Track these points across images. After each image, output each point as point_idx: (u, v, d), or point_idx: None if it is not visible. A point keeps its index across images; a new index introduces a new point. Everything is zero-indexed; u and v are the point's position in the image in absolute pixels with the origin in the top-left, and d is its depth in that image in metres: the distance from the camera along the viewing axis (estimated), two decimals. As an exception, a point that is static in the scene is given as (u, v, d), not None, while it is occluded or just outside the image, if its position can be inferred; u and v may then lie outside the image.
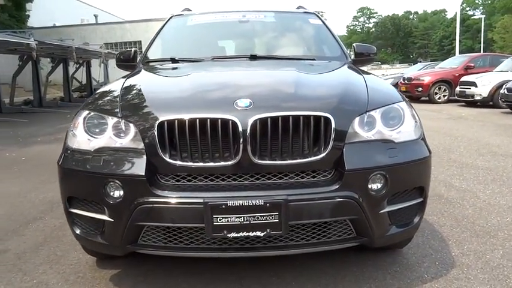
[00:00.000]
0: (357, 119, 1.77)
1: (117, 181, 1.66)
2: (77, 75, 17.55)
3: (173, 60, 2.77)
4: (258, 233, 1.63)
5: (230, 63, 2.69)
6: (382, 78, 2.58)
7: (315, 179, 1.72)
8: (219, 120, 1.64)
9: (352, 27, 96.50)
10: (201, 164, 1.66)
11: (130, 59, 2.96)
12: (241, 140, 1.62)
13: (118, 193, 1.68)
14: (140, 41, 24.19)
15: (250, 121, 1.62)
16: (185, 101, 1.79)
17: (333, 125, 1.68)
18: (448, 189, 3.54)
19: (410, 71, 16.88)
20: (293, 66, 2.38)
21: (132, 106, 1.85)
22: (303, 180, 1.71)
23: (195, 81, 2.06)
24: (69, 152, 1.85)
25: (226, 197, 1.61)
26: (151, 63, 2.84)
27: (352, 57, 3.06)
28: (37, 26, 22.18)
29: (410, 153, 1.83)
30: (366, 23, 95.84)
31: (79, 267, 2.28)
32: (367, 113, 1.80)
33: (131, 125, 1.74)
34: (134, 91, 2.02)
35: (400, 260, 2.26)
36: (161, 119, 1.67)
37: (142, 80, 2.24)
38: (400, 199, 1.83)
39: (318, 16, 3.40)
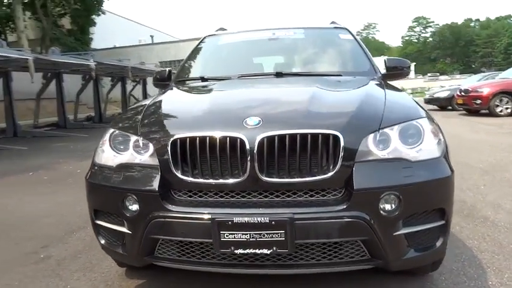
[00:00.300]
0: (369, 137, 1.73)
1: (133, 195, 1.76)
2: (134, 92, 18.60)
3: (202, 79, 2.88)
4: (265, 251, 1.64)
5: (255, 80, 2.74)
6: (407, 93, 2.47)
7: (324, 197, 1.69)
8: (228, 138, 1.68)
9: (407, 38, 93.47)
10: (211, 180, 1.71)
11: (165, 78, 3.14)
12: (249, 157, 1.65)
13: (135, 207, 1.77)
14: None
15: (258, 139, 1.65)
16: (199, 120, 1.86)
17: (342, 143, 1.66)
18: (495, 211, 3.29)
19: (468, 82, 15.97)
20: (315, 83, 2.37)
21: (151, 124, 1.95)
22: (312, 198, 1.69)
23: (213, 99, 2.13)
24: (95, 167, 1.99)
25: (233, 213, 1.64)
26: (181, 82, 2.98)
27: (384, 71, 2.99)
28: (99, 48, 23.88)
29: (428, 172, 1.74)
30: (422, 32, 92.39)
31: (109, 275, 2.41)
32: (380, 131, 1.75)
33: (149, 142, 1.84)
34: (156, 110, 2.13)
35: (428, 286, 2.14)
36: (175, 137, 1.75)
37: (166, 99, 2.36)
38: (417, 221, 1.74)
39: (348, 31, 3.37)
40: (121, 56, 16.20)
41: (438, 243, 1.82)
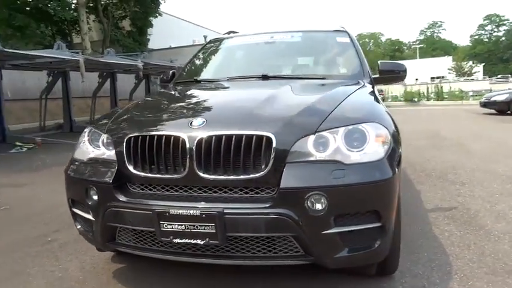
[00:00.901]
0: (304, 139, 1.80)
1: (94, 187, 1.98)
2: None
3: (196, 81, 3.07)
4: (199, 241, 1.78)
5: (238, 83, 2.87)
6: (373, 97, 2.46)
7: (257, 195, 1.79)
8: (172, 138, 1.84)
9: (477, 37, 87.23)
10: (157, 175, 1.89)
11: (169, 79, 3.38)
12: (188, 155, 1.80)
13: (95, 197, 1.99)
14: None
15: (197, 139, 1.79)
16: (155, 120, 2.05)
17: (274, 145, 1.75)
18: (496, 221, 3.12)
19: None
20: (288, 86, 2.46)
21: (118, 123, 2.16)
22: (246, 195, 1.80)
23: (176, 101, 2.31)
24: (73, 161, 2.25)
25: (171, 206, 1.80)
26: (178, 84, 3.18)
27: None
28: (156, 48, 25.10)
29: (362, 175, 1.76)
30: (494, 31, 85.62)
31: (97, 259, 2.67)
32: (317, 134, 1.81)
33: (113, 140, 2.05)
34: (128, 110, 2.34)
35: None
36: (129, 135, 1.94)
37: (146, 100, 2.57)
38: (350, 221, 1.78)
39: (348, 34, 3.38)
40: (178, 56, 17.00)
41: (375, 245, 1.84)
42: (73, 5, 21.54)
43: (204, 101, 2.39)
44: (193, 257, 1.89)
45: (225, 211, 1.73)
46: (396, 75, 3.10)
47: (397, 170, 1.89)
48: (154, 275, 2.38)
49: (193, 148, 1.79)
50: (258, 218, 1.73)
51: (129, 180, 1.97)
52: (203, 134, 1.80)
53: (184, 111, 2.17)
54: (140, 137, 1.91)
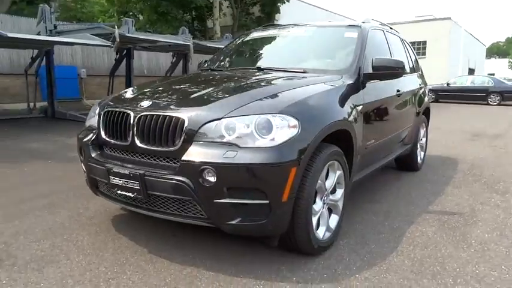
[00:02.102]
0: (212, 123, 2.17)
1: (83, 146, 2.69)
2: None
3: (210, 69, 3.59)
4: (130, 194, 2.34)
5: (231, 73, 3.29)
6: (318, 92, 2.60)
7: (172, 164, 2.25)
8: (125, 114, 2.42)
9: None
10: (115, 141, 2.50)
11: (201, 66, 3.97)
12: (131, 128, 2.36)
13: (83, 153, 2.71)
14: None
15: (137, 116, 2.34)
16: (129, 99, 2.66)
17: (185, 125, 2.18)
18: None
19: None
20: (256, 77, 2.83)
21: (110, 99, 2.82)
22: (165, 163, 2.28)
23: (163, 85, 2.89)
24: (83, 127, 3.01)
25: (116, 164, 2.40)
26: (200, 70, 3.75)
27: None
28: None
29: (250, 158, 2.05)
30: None
31: (87, 212, 3.32)
32: (224, 119, 2.16)
33: (99, 111, 2.72)
34: (128, 90, 2.99)
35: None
36: (106, 109, 2.59)
37: (148, 82, 3.18)
38: (239, 195, 2.10)
39: (359, 29, 3.44)
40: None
41: (263, 219, 2.14)
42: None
43: (178, 86, 2.90)
44: (132, 207, 2.47)
45: (146, 173, 2.24)
46: (390, 71, 3.10)
47: (295, 158, 2.12)
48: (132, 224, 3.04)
49: (135, 123, 2.34)
50: (166, 182, 2.20)
51: (104, 143, 2.62)
52: (141, 113, 2.33)
53: (153, 93, 2.72)
54: (109, 111, 2.54)
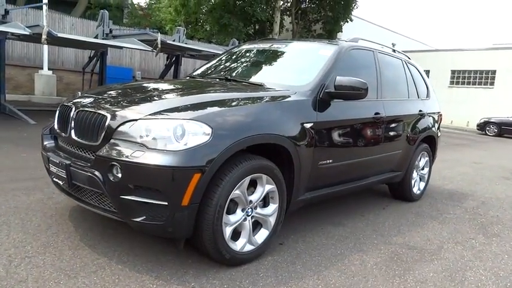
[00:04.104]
0: (128, 124, 2.28)
1: (42, 136, 2.95)
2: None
3: (189, 76, 3.76)
4: (60, 182, 2.53)
5: (199, 81, 3.40)
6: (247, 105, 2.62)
7: (90, 157, 2.40)
8: (68, 108, 2.64)
9: None
10: (60, 132, 2.72)
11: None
12: (70, 122, 2.56)
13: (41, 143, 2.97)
14: (429, 71, 23.64)
15: (75, 112, 2.53)
16: (82, 95, 2.86)
17: (107, 123, 2.32)
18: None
19: None
20: (212, 87, 2.94)
21: (74, 95, 3.05)
22: (85, 155, 2.44)
23: (129, 86, 3.09)
24: None
25: (54, 153, 2.61)
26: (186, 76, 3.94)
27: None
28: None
29: (153, 159, 2.13)
30: None
31: (59, 197, 3.55)
32: (140, 121, 2.26)
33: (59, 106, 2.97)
34: (98, 88, 3.22)
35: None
36: (62, 103, 2.82)
37: (121, 83, 3.40)
38: (141, 193, 2.18)
39: (336, 47, 3.41)
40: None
41: (162, 220, 2.20)
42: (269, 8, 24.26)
43: (131, 88, 3.06)
44: (66, 194, 2.66)
45: (71, 164, 2.42)
46: (355, 92, 3.02)
47: (199, 165, 2.16)
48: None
49: (73, 118, 2.54)
50: (83, 174, 2.35)
51: (56, 134, 2.85)
52: (79, 109, 2.53)
53: (103, 92, 2.90)
54: (62, 105, 2.77)
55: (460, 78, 24.39)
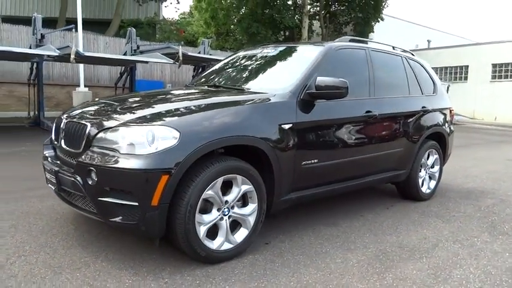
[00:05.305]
0: (104, 132, 2.46)
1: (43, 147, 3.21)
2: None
3: (186, 85, 3.93)
4: (53, 187, 2.75)
5: (190, 89, 3.55)
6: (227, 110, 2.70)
7: (74, 163, 2.60)
8: (61, 120, 2.87)
9: None
10: (55, 142, 2.95)
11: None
12: (61, 132, 2.78)
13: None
14: (467, 66, 22.62)
15: (66, 122, 2.76)
16: (75, 107, 3.08)
17: (87, 132, 2.52)
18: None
19: None
20: (196, 95, 3.10)
21: (70, 108, 3.30)
22: (71, 161, 2.64)
23: (122, 97, 3.28)
24: None
25: (47, 162, 2.84)
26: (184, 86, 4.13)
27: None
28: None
29: (125, 163, 2.29)
30: None
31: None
32: (115, 128, 2.44)
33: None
34: (94, 100, 3.46)
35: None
36: (59, 116, 3.07)
37: (117, 95, 3.62)
38: (117, 195, 2.34)
39: (321, 48, 3.45)
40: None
41: (136, 221, 2.34)
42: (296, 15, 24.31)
43: (122, 99, 3.23)
44: (61, 198, 2.87)
45: (60, 170, 2.63)
46: (336, 91, 3.04)
47: (166, 167, 2.29)
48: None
49: (62, 128, 2.77)
50: (67, 179, 2.56)
51: (53, 143, 3.10)
52: (68, 119, 2.76)
53: (93, 105, 3.12)
54: (57, 118, 3.02)
55: (502, 72, 23.03)
